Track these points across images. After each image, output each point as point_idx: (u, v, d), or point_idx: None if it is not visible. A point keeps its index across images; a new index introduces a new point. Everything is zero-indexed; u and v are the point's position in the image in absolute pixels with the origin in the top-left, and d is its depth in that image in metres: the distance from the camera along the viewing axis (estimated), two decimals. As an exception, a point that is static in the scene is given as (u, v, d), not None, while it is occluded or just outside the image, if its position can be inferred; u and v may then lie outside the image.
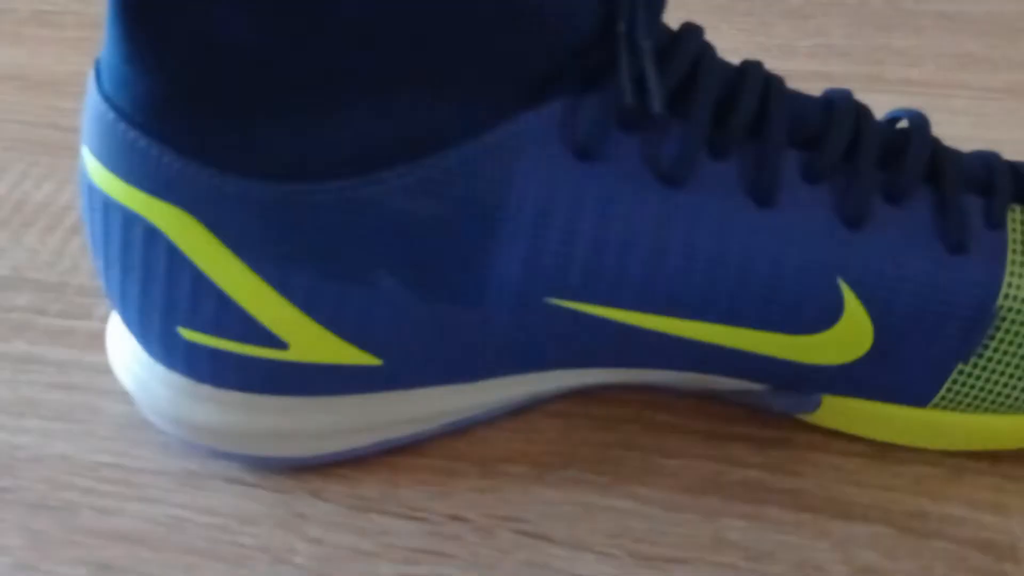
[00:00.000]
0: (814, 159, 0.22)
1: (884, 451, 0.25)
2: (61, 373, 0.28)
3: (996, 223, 0.22)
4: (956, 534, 0.24)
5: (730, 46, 0.44)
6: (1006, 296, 0.22)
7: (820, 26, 0.45)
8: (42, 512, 0.24)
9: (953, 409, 0.24)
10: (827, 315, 0.22)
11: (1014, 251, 0.22)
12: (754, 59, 0.22)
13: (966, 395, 0.23)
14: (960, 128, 0.38)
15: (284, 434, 0.24)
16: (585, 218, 0.21)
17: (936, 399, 0.24)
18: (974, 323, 0.22)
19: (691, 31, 0.22)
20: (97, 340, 0.29)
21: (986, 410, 0.24)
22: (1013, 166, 0.23)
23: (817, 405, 0.25)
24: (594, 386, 0.26)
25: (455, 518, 0.24)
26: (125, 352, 0.24)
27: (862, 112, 0.22)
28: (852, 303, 0.22)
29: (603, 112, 0.21)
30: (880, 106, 0.39)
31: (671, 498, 0.24)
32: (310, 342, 0.22)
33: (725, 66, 0.22)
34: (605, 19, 0.21)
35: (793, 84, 0.41)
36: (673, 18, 0.46)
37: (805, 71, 0.42)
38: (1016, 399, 0.23)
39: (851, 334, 0.22)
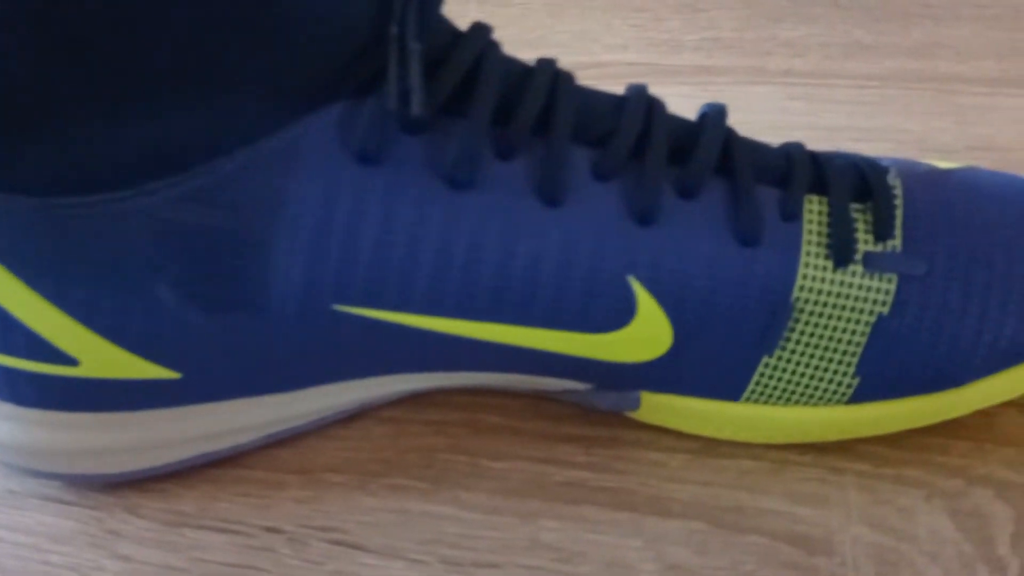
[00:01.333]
0: (603, 156, 0.21)
1: (710, 447, 0.25)
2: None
3: (791, 215, 0.22)
4: (771, 528, 0.23)
5: (619, 42, 0.44)
6: (801, 288, 0.22)
7: (712, 19, 0.45)
8: None
9: (765, 402, 0.24)
10: (620, 313, 0.22)
11: (809, 242, 0.22)
12: (549, 57, 0.22)
13: (775, 388, 0.23)
14: (835, 118, 0.38)
15: (90, 451, 0.23)
16: (368, 223, 0.21)
17: (747, 393, 0.23)
18: (771, 316, 0.22)
19: (477, 30, 0.21)
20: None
21: (797, 402, 0.23)
22: (815, 156, 0.23)
23: (637, 402, 0.24)
24: (427, 390, 0.26)
25: (270, 530, 0.24)
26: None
27: (654, 107, 0.22)
28: (646, 300, 0.22)
29: (384, 115, 0.20)
30: (759, 99, 0.39)
31: (492, 502, 0.24)
32: (100, 357, 0.22)
33: (511, 64, 0.22)
34: (381, 22, 0.20)
35: (675, 80, 0.41)
36: (568, 14, 0.45)
37: (690, 66, 0.42)
38: (825, 390, 0.23)
39: (649, 331, 0.22)
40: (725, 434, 0.24)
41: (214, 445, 0.24)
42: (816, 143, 0.37)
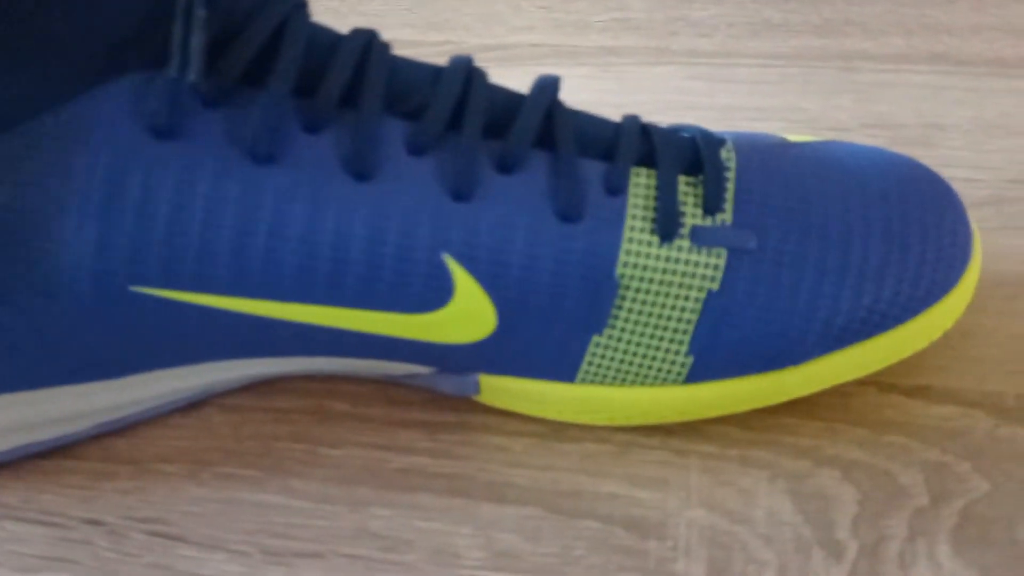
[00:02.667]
0: (417, 129, 0.21)
1: (557, 431, 0.24)
2: None
3: (616, 188, 0.21)
4: (607, 512, 0.22)
5: (526, 23, 0.43)
6: (625, 264, 0.21)
7: (622, 0, 0.44)
8: None
9: (601, 383, 0.23)
10: (437, 292, 0.21)
11: (634, 216, 0.21)
12: (369, 28, 0.21)
13: (608, 368, 0.22)
14: (734, 97, 0.37)
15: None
16: (162, 200, 0.20)
17: (581, 373, 0.22)
18: (596, 293, 0.21)
19: (285, -2, 0.21)
20: None
21: (633, 383, 0.23)
22: (646, 128, 0.22)
23: (477, 386, 0.24)
24: (274, 377, 0.25)
25: (91, 522, 0.23)
26: None
27: (473, 77, 0.21)
28: (463, 279, 0.21)
29: (179, 87, 0.20)
30: (660, 79, 0.38)
31: (324, 490, 0.23)
32: None
33: (321, 32, 0.21)
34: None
35: (577, 62, 0.40)
36: (471, -2, 0.45)
37: (594, 47, 0.41)
38: (659, 370, 0.22)
39: (470, 310, 0.21)
40: (566, 416, 0.24)
41: (34, 436, 0.23)
42: (712, 123, 0.36)
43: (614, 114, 0.36)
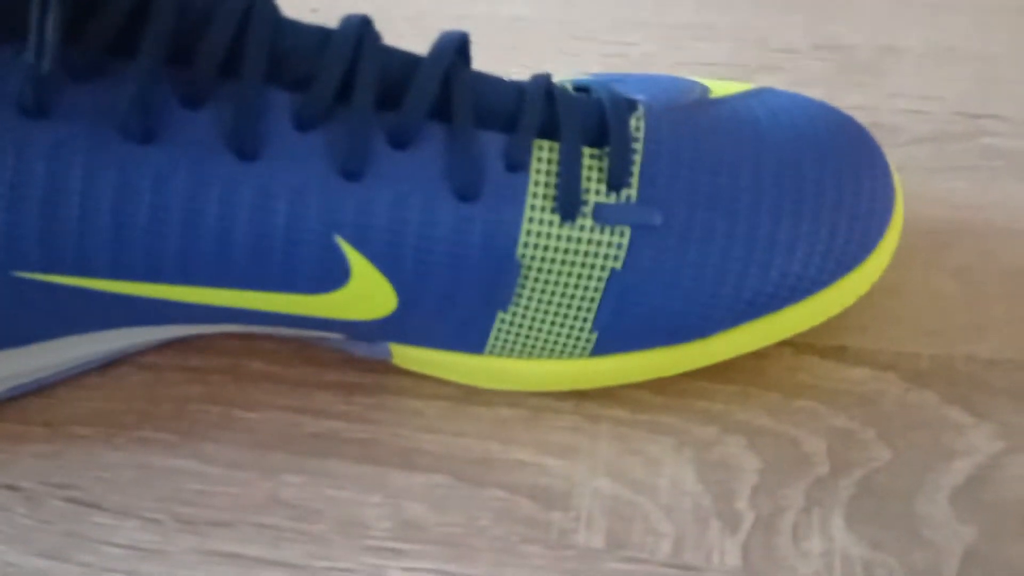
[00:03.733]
0: (304, 104, 0.20)
1: (472, 395, 0.24)
2: None
3: (517, 164, 0.20)
4: (514, 482, 0.23)
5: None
6: (526, 244, 0.20)
7: None
8: None
9: (508, 355, 0.23)
10: (332, 274, 0.20)
11: (535, 195, 0.20)
12: (253, -13, 0.20)
13: (515, 342, 0.22)
14: (683, 13, 0.35)
15: None
16: (34, 183, 0.19)
17: (489, 347, 0.22)
18: (497, 272, 0.21)
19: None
20: None
21: (539, 356, 0.22)
22: (551, 94, 0.21)
23: (388, 352, 0.23)
24: (187, 336, 0.25)
25: (8, 487, 0.23)
26: None
27: (364, 41, 0.20)
28: (358, 261, 0.20)
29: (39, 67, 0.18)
30: (603, -9, 0.36)
31: (237, 456, 0.24)
32: None
33: (197, -1, 0.19)
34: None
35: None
36: None
37: None
38: (564, 344, 0.22)
39: (368, 291, 0.21)
40: (478, 382, 0.24)
41: (-52, 402, 0.23)
42: (658, 42, 0.34)
43: (555, 32, 0.35)
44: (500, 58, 0.34)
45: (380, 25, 0.36)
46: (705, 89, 0.24)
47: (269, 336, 0.26)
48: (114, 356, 0.25)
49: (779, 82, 0.32)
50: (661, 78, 0.24)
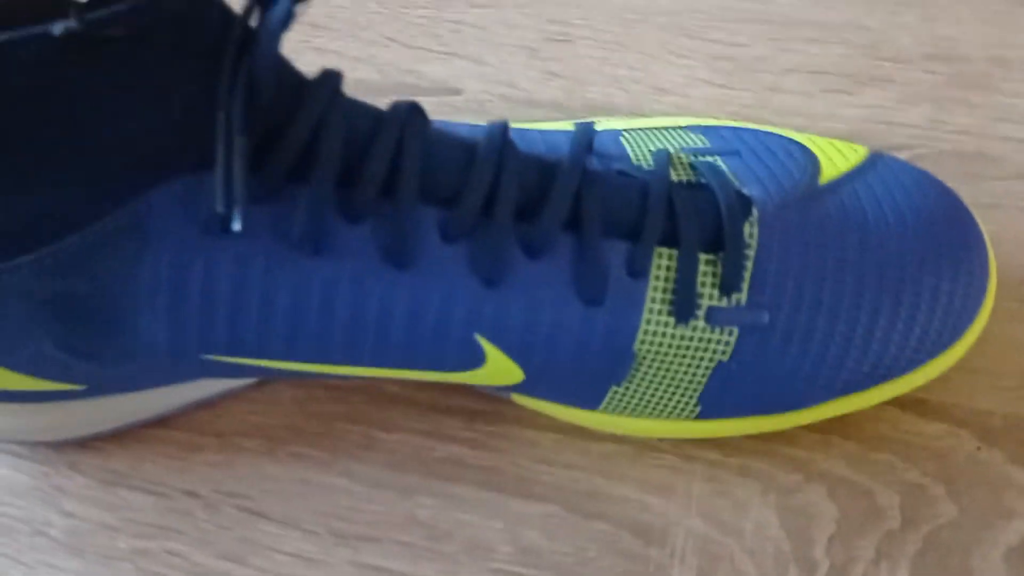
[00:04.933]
0: (451, 218, 0.22)
1: (580, 427, 0.28)
2: None
3: (638, 272, 0.23)
4: (618, 515, 0.26)
5: None
6: (642, 342, 0.23)
7: None
8: None
9: (619, 414, 0.26)
10: (470, 361, 0.23)
11: (653, 299, 0.23)
12: (407, 100, 0.22)
13: (626, 406, 0.25)
14: (792, 8, 0.35)
15: (14, 430, 0.27)
16: (221, 289, 0.22)
17: (602, 407, 0.25)
18: (614, 362, 0.23)
19: (322, 84, 0.21)
20: None
21: (650, 416, 0.25)
22: (672, 199, 0.23)
23: (509, 396, 0.27)
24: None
25: (188, 493, 0.28)
26: None
27: (505, 155, 0.22)
28: (493, 352, 0.23)
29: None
30: (714, -21, 0.36)
31: (378, 475, 0.27)
32: (6, 379, 0.24)
33: (357, 119, 0.21)
34: (210, 101, 0.20)
35: (630, -54, 0.38)
36: None
37: (652, -77, 0.38)
38: (672, 411, 0.25)
39: (501, 371, 0.24)
40: (589, 425, 0.27)
41: (132, 418, 0.28)
42: (766, 40, 0.35)
43: (663, 24, 0.35)
44: (607, 54, 0.35)
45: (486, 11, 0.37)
46: (816, 167, 0.25)
47: (400, 357, 0.29)
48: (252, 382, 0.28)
49: (888, 96, 0.33)
50: (775, 147, 0.26)
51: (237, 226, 0.20)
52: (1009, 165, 0.31)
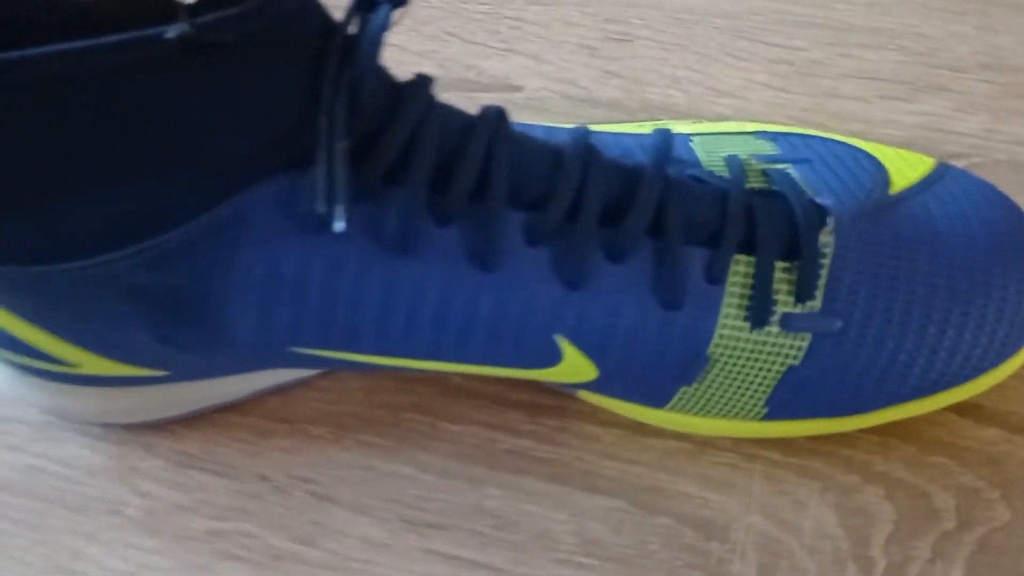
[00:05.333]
0: (537, 222, 0.23)
1: (643, 424, 0.28)
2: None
3: (716, 279, 0.23)
4: (680, 511, 0.27)
5: None
6: (717, 345, 0.24)
7: None
8: (-70, 458, 0.29)
9: (686, 413, 0.26)
10: (548, 359, 0.24)
11: (729, 305, 0.23)
12: (495, 105, 0.22)
13: (694, 406, 0.26)
14: (847, 14, 0.36)
15: (100, 412, 0.28)
16: (312, 285, 0.23)
17: (668, 407, 0.26)
18: (688, 366, 0.24)
19: (416, 89, 0.22)
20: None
21: (716, 416, 0.26)
22: (751, 207, 0.24)
23: (576, 392, 0.27)
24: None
25: (260, 477, 0.28)
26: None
27: (590, 164, 0.23)
28: (570, 351, 0.24)
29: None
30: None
31: (445, 465, 0.28)
32: (95, 364, 0.25)
33: (449, 124, 0.22)
34: (313, 105, 0.21)
35: (689, -53, 0.38)
36: None
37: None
38: (739, 412, 0.26)
39: (575, 370, 0.24)
40: (654, 422, 0.28)
41: (207, 403, 0.28)
42: (822, 45, 0.35)
43: (721, 26, 0.36)
44: (666, 55, 0.35)
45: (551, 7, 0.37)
46: (885, 177, 0.26)
47: (465, 350, 0.30)
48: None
49: (944, 104, 0.33)
50: (844, 156, 0.26)
51: (340, 226, 0.20)
52: (1065, 178, 0.31)
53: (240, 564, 0.27)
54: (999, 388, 0.28)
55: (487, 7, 0.38)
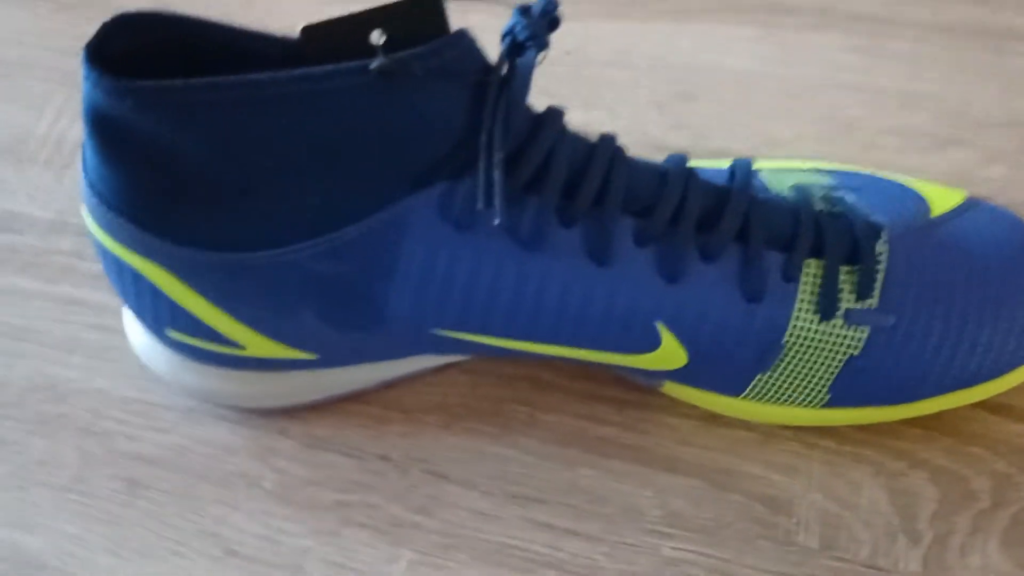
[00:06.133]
0: (644, 226, 0.27)
1: (716, 416, 0.33)
2: (99, 315, 0.36)
3: (791, 277, 0.28)
4: (750, 489, 0.31)
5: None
6: (791, 335, 0.28)
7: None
8: (89, 436, 0.34)
9: (759, 400, 0.31)
10: (649, 344, 0.29)
11: (802, 300, 0.28)
12: (609, 133, 0.27)
13: (767, 394, 0.30)
14: (884, 78, 0.41)
15: (250, 395, 0.32)
16: (459, 275, 0.27)
17: (745, 394, 0.30)
18: (765, 353, 0.28)
19: (552, 119, 0.27)
20: (122, 293, 0.37)
21: (785, 403, 0.30)
22: (818, 220, 0.28)
23: (662, 383, 0.32)
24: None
25: (382, 457, 0.33)
26: (135, 329, 0.32)
27: (690, 181, 0.28)
28: (667, 337, 0.28)
29: (474, 194, 0.26)
30: (821, 49, 0.42)
31: (544, 448, 0.32)
32: (260, 345, 0.30)
33: (577, 145, 0.27)
34: (474, 126, 0.26)
35: (744, 19, 0.44)
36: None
37: (758, 3, 0.44)
38: (805, 399, 0.30)
39: (670, 355, 0.29)
40: (729, 412, 0.32)
41: (341, 390, 0.33)
42: (863, 106, 0.40)
43: (774, 88, 0.41)
44: (725, 112, 0.41)
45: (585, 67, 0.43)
46: (926, 205, 0.31)
47: (557, 353, 0.34)
48: (443, 364, 0.34)
49: (968, 155, 0.38)
50: (890, 188, 0.31)
51: (497, 220, 0.25)
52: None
53: (364, 530, 0.31)
54: (1022, 391, 0.32)
55: (567, 68, 0.43)
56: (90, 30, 0.45)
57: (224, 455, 0.33)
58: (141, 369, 0.35)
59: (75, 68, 0.44)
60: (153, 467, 0.33)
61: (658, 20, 0.44)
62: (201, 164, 0.25)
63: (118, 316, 0.36)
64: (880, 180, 0.32)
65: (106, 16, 0.25)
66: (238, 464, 0.33)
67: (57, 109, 0.43)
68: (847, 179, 0.32)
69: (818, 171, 0.32)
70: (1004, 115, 0.39)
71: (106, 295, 0.37)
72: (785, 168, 0.33)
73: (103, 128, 0.25)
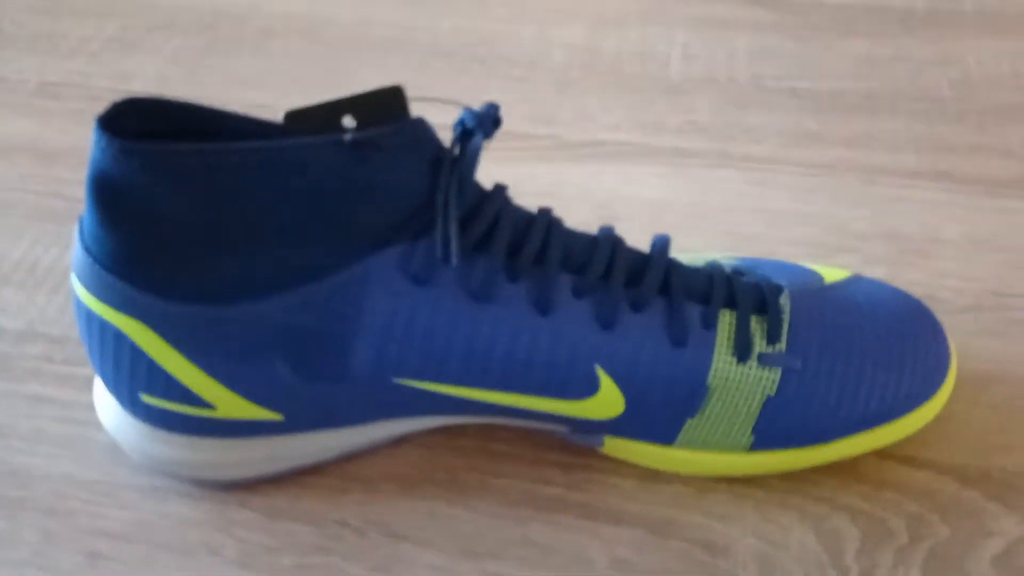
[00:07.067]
0: (580, 281, 0.31)
1: (655, 475, 0.35)
2: (65, 409, 0.38)
3: (709, 325, 0.32)
4: (691, 536, 0.33)
5: (613, 121, 0.53)
6: (714, 376, 0.32)
7: (691, 103, 0.54)
8: (52, 516, 0.34)
9: (690, 447, 0.34)
10: (589, 388, 0.32)
11: (721, 344, 0.32)
12: (545, 207, 0.32)
13: (697, 438, 0.33)
14: (782, 202, 0.47)
15: (216, 464, 0.34)
16: (418, 326, 0.31)
17: (677, 441, 0.33)
18: (692, 394, 0.32)
19: (497, 191, 0.31)
20: (93, 383, 0.39)
21: (714, 449, 0.33)
22: (730, 279, 0.33)
23: (602, 442, 0.35)
24: (454, 424, 0.36)
25: (340, 523, 0.34)
26: (106, 405, 0.34)
27: (617, 244, 0.32)
28: (606, 381, 0.32)
29: (432, 252, 0.30)
30: (724, 181, 0.49)
31: (496, 508, 0.34)
32: (231, 405, 0.32)
33: (519, 214, 0.32)
34: (432, 190, 0.30)
35: (656, 160, 0.50)
36: (571, 92, 0.55)
37: (669, 148, 0.51)
38: (732, 442, 0.33)
39: (608, 400, 0.32)
40: (664, 467, 0.35)
41: (301, 462, 0.35)
42: (765, 224, 0.46)
43: (685, 211, 0.47)
44: (642, 227, 0.46)
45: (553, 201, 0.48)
46: (819, 276, 0.36)
47: (504, 426, 0.37)
48: (401, 436, 0.36)
49: (853, 260, 0.44)
50: (788, 266, 0.36)
51: (455, 261, 0.29)
52: (948, 304, 0.41)
53: (324, 591, 0.32)
54: (923, 444, 0.36)
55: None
56: (67, 175, 0.50)
57: (186, 527, 0.34)
58: (107, 454, 0.36)
59: (51, 207, 0.48)
60: (115, 540, 0.34)
61: (584, 162, 0.50)
62: (191, 222, 0.29)
63: (85, 410, 0.38)
64: (779, 262, 0.37)
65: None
66: (200, 535, 0.34)
67: (32, 239, 0.46)
68: (751, 262, 0.37)
69: (728, 257, 0.37)
70: (880, 230, 0.46)
71: (73, 392, 0.39)
72: (699, 255, 0.37)
73: (104, 190, 0.28)
